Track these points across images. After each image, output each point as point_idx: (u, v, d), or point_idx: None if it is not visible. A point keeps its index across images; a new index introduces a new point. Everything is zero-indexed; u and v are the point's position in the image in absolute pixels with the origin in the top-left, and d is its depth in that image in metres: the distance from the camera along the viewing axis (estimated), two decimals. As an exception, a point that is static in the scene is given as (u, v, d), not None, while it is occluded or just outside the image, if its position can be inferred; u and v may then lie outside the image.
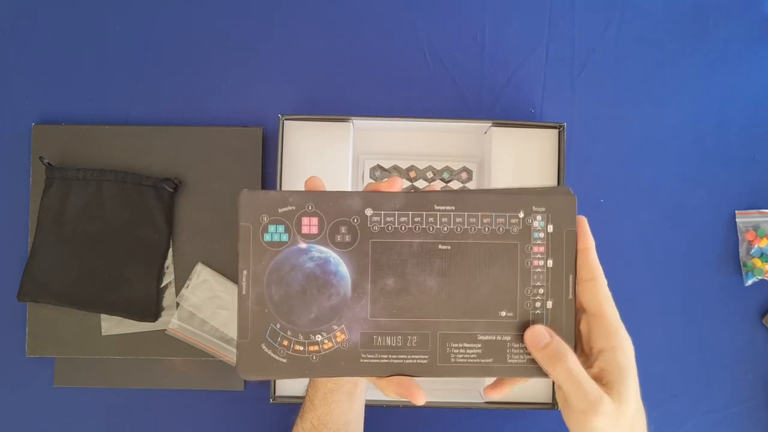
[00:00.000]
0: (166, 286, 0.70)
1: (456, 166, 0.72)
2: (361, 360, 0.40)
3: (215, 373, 0.70)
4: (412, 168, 0.71)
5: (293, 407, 0.58)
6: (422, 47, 0.73)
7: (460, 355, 0.40)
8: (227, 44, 0.72)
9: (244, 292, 0.39)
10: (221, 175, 0.70)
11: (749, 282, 0.71)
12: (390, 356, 0.40)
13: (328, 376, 0.41)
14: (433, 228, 0.40)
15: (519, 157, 0.68)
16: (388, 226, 0.40)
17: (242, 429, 0.70)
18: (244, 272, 0.39)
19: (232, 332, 0.69)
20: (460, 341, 0.40)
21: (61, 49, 0.72)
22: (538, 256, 0.40)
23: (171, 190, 0.69)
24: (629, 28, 0.73)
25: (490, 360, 0.41)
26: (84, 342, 0.69)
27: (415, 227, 0.40)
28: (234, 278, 0.69)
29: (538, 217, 0.40)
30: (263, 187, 0.70)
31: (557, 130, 0.68)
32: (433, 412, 0.70)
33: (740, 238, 0.71)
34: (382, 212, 0.40)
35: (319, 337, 0.40)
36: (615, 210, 0.72)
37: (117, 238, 0.68)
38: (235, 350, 0.68)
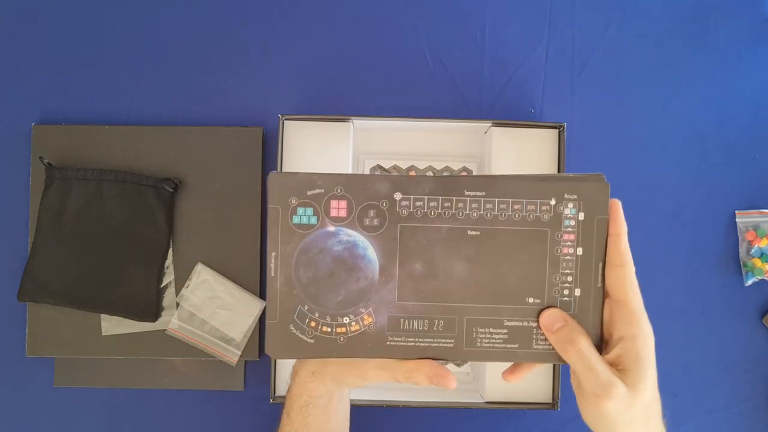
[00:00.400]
0: (166, 286, 0.70)
1: (456, 166, 0.72)
2: (388, 342, 0.40)
3: (215, 373, 0.70)
4: (412, 168, 0.71)
5: (293, 407, 0.58)
6: (422, 47, 0.73)
7: (486, 340, 0.41)
8: (227, 44, 0.72)
9: (272, 274, 0.40)
10: (221, 175, 0.70)
11: (749, 282, 0.71)
12: (417, 339, 0.40)
13: (355, 357, 0.41)
14: (462, 213, 0.40)
15: (519, 157, 0.68)
16: (417, 211, 0.40)
17: (242, 429, 0.70)
18: (273, 254, 0.39)
19: (232, 332, 0.69)
20: (487, 326, 0.40)
21: (61, 49, 0.72)
22: (568, 243, 0.40)
23: (171, 189, 0.69)
24: (629, 28, 0.73)
25: (516, 345, 0.41)
26: (84, 342, 0.69)
27: (444, 212, 0.40)
28: (234, 279, 0.69)
29: (570, 205, 0.40)
30: (263, 188, 0.70)
31: (557, 130, 0.68)
32: (433, 412, 0.70)
33: (740, 238, 0.71)
34: (412, 197, 0.40)
35: (346, 320, 0.40)
36: (615, 210, 0.72)
37: (117, 238, 0.68)
38: (235, 350, 0.68)
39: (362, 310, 0.40)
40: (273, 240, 0.39)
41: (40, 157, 0.68)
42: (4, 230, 0.71)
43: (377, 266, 0.40)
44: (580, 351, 0.39)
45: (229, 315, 0.69)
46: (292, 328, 0.40)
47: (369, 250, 0.40)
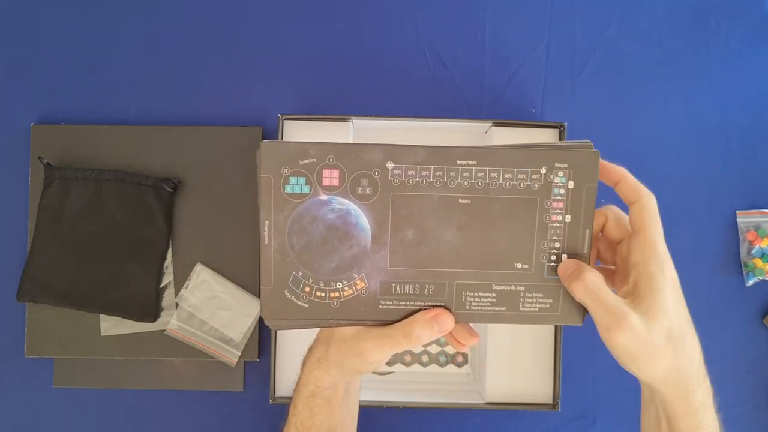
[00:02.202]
0: (165, 287, 0.69)
1: (456, 166, 0.71)
2: (380, 306, 0.41)
3: (215, 373, 0.69)
4: (412, 168, 0.71)
5: (293, 408, 0.58)
6: (422, 47, 0.73)
7: (475, 303, 0.42)
8: (227, 44, 0.72)
9: (266, 242, 0.40)
10: (221, 175, 0.70)
11: (750, 282, 0.71)
12: (407, 303, 0.41)
13: (348, 320, 0.42)
14: (454, 182, 0.40)
15: (519, 157, 0.68)
16: (409, 180, 0.40)
17: (242, 429, 0.70)
18: (266, 222, 0.40)
19: (232, 333, 0.69)
20: (476, 290, 0.41)
21: (61, 49, 0.72)
22: (557, 211, 0.41)
23: (170, 189, 0.69)
24: (630, 27, 0.73)
25: (503, 308, 0.42)
26: (83, 342, 0.69)
27: (436, 181, 0.40)
28: (233, 279, 0.69)
29: (560, 173, 0.40)
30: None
31: (558, 129, 0.68)
32: (433, 412, 0.70)
33: (741, 238, 0.71)
34: (404, 165, 0.40)
35: (339, 285, 0.41)
36: (615, 210, 0.72)
37: (116, 238, 0.68)
38: (234, 351, 0.68)
39: (355, 275, 0.41)
40: (266, 209, 0.40)
41: (39, 157, 0.67)
42: (4, 230, 0.71)
43: (370, 234, 0.40)
44: (585, 284, 0.38)
45: (228, 315, 0.69)
46: (286, 293, 0.41)
47: (361, 218, 0.40)
